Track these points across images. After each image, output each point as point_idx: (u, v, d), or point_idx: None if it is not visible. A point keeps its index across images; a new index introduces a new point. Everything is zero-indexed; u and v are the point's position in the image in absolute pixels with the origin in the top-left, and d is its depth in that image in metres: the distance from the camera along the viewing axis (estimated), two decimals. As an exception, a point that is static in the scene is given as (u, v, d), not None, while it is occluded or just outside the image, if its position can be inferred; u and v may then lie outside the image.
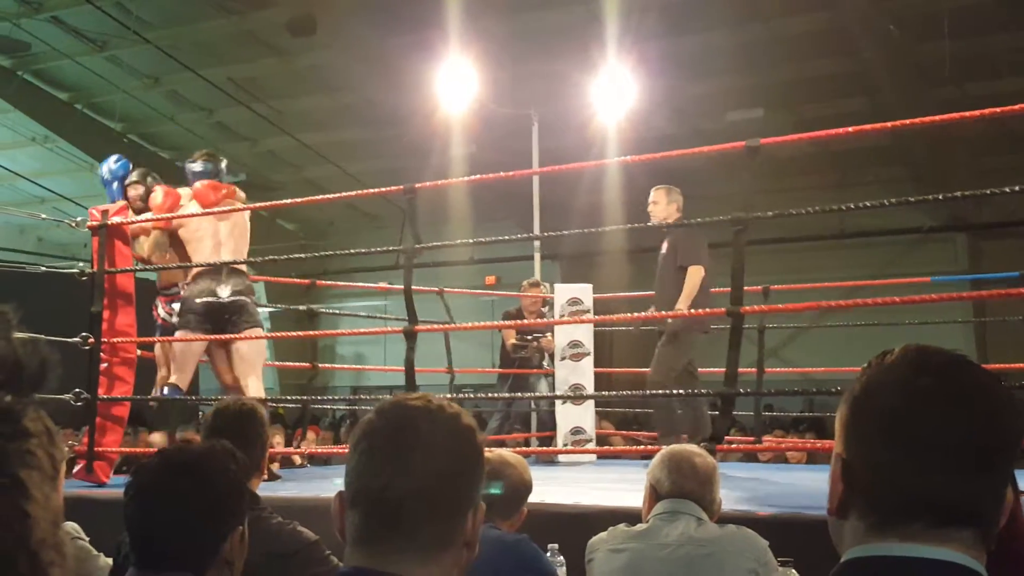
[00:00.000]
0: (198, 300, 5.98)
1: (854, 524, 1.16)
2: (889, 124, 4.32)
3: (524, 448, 7.83)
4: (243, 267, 6.29)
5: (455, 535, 1.35)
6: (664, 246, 6.62)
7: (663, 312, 6.35)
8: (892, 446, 1.13)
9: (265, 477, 3.26)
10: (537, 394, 8.07)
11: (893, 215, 10.84)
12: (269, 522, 2.89)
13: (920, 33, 10.55)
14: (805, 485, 5.36)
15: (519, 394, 8.00)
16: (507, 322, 7.85)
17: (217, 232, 6.25)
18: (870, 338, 9.79)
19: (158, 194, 6.40)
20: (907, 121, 4.23)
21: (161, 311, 6.48)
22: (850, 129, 4.60)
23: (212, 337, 6.10)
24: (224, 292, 6.03)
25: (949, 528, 1.11)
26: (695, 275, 6.35)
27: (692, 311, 6.13)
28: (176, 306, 6.29)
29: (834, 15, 10.57)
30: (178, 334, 6.14)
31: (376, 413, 1.40)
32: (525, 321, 7.97)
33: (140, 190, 6.57)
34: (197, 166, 6.43)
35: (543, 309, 8.15)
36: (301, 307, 9.62)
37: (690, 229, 6.54)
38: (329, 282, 11.63)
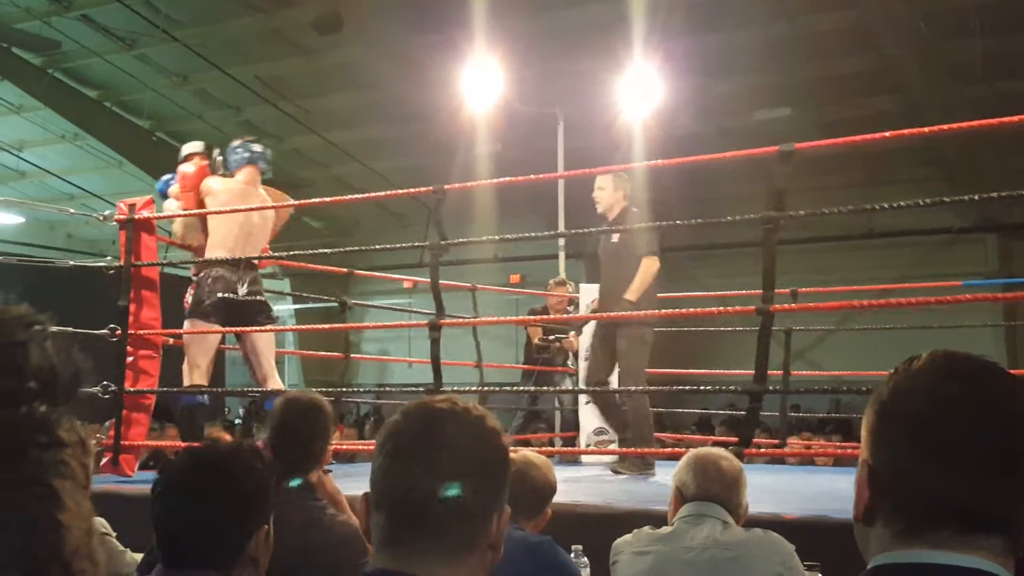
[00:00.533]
0: (219, 295, 5.97)
1: (880, 531, 1.15)
2: (926, 129, 4.27)
3: (548, 448, 7.83)
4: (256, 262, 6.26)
5: (480, 537, 1.35)
6: (615, 236, 6.39)
7: (619, 304, 6.13)
8: (919, 452, 1.12)
9: (324, 469, 3.30)
10: (562, 389, 8.06)
11: (922, 215, 10.76)
12: (324, 511, 3.00)
13: (950, 31, 10.45)
14: (831, 487, 5.33)
15: (545, 388, 7.99)
16: (532, 318, 7.85)
17: (249, 221, 6.21)
18: (897, 341, 9.76)
19: (188, 166, 6.34)
20: (944, 127, 4.18)
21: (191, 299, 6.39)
22: (887, 134, 4.53)
23: (234, 330, 6.09)
24: (242, 290, 6.01)
25: (977, 535, 1.10)
26: (652, 266, 6.19)
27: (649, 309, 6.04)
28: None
29: (862, 13, 10.49)
30: (187, 324, 6.08)
31: (402, 415, 1.40)
32: (550, 316, 7.97)
33: (204, 162, 6.43)
34: (258, 147, 6.40)
35: (568, 308, 8.14)
36: (333, 300, 9.63)
37: (643, 218, 6.39)
38: (366, 272, 11.58)
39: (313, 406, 3.25)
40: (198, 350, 6.06)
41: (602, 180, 6.50)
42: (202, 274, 6.06)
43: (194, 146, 6.54)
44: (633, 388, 6.05)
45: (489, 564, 1.37)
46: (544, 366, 8.19)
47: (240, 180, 6.27)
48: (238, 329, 6.11)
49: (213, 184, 6.23)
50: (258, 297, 6.13)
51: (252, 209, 6.16)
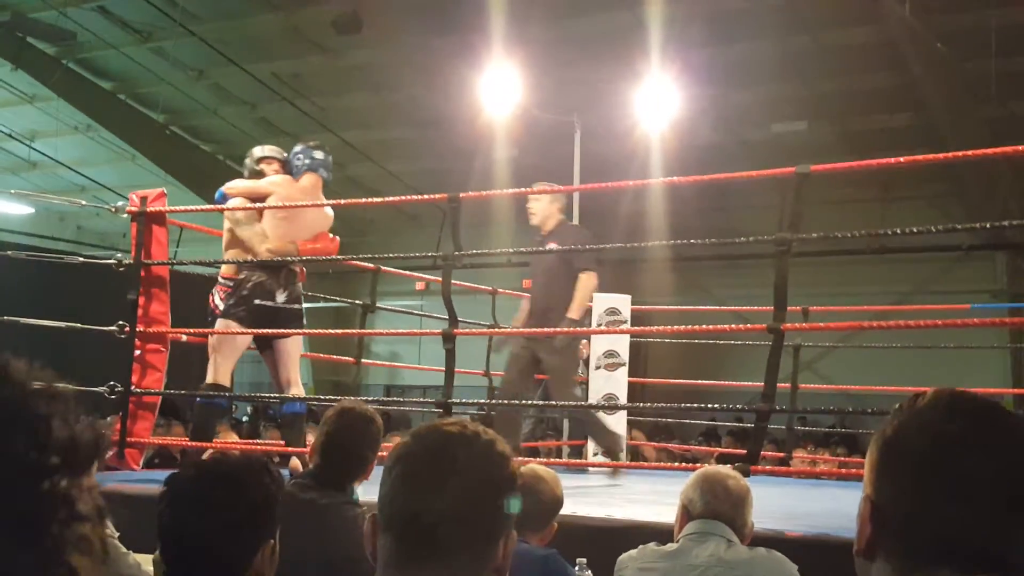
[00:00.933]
0: (256, 301, 5.84)
1: (881, 566, 1.16)
2: (940, 156, 4.29)
3: (555, 460, 7.81)
4: (296, 269, 6.10)
5: (487, 561, 1.36)
6: (551, 247, 6.25)
7: (557, 319, 6.11)
8: (921, 489, 1.13)
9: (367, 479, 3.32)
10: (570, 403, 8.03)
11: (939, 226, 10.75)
12: (364, 517, 3.00)
13: (967, 50, 10.44)
14: (835, 503, 5.31)
15: (552, 402, 7.99)
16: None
17: (296, 230, 6.05)
18: (905, 357, 9.67)
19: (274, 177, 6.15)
20: (959, 153, 4.19)
21: (219, 300, 6.15)
22: (902, 159, 4.55)
23: (257, 331, 5.95)
24: (281, 298, 5.90)
25: (975, 575, 1.10)
26: (591, 281, 6.17)
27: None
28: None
29: (881, 29, 10.49)
30: (220, 324, 5.94)
31: (412, 437, 1.41)
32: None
33: (275, 166, 6.24)
34: (319, 154, 6.18)
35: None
36: (348, 302, 9.59)
37: (580, 232, 6.30)
38: (389, 269, 11.62)
39: (365, 417, 3.30)
40: (228, 350, 5.95)
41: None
42: (242, 276, 5.93)
43: (269, 150, 6.37)
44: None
45: (495, 588, 1.37)
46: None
47: (301, 187, 6.10)
48: (255, 331, 5.95)
49: (274, 180, 6.10)
50: (295, 306, 6.01)
51: (244, 208, 6.00)
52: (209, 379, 5.96)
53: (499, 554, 1.36)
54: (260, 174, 6.22)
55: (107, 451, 0.82)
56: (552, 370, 6.36)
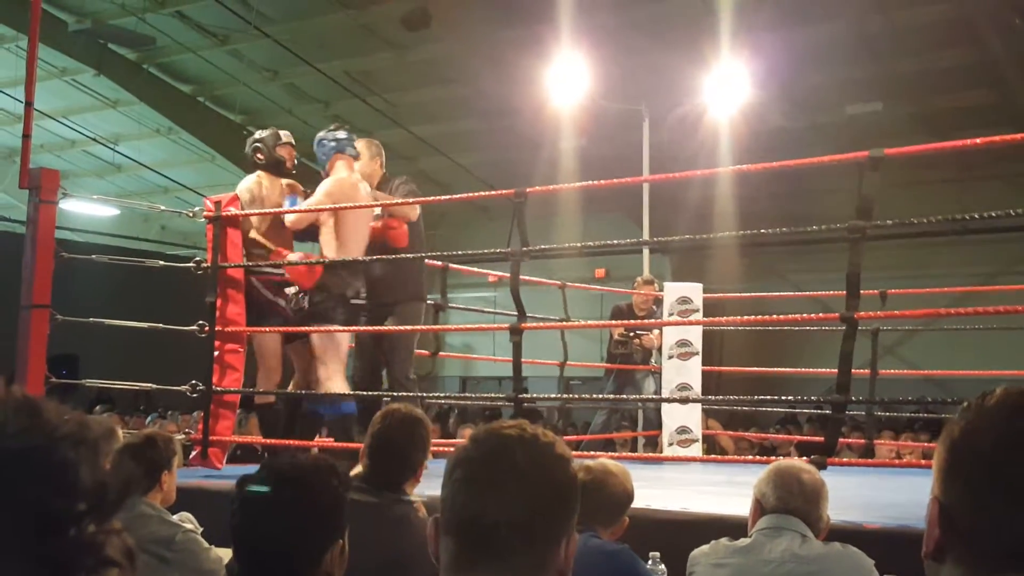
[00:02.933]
0: (349, 299, 5.86)
1: (951, 569, 1.13)
2: (1020, 136, 4.12)
3: (628, 453, 7.79)
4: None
5: (548, 564, 1.36)
6: (377, 212, 5.80)
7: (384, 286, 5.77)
8: (989, 492, 1.10)
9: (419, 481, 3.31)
10: (644, 395, 8.01)
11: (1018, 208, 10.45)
12: (416, 513, 3.07)
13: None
14: (918, 492, 5.20)
15: (625, 396, 7.99)
16: (613, 321, 7.84)
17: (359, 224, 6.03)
18: (992, 337, 9.42)
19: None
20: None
21: (271, 296, 6.13)
22: (978, 141, 4.41)
23: (291, 328, 5.97)
24: (350, 293, 5.92)
25: None
26: (407, 212, 5.79)
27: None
28: (291, 290, 6.02)
29: (957, 6, 10.24)
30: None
31: (471, 441, 1.42)
32: (629, 321, 7.94)
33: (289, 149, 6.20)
34: (342, 133, 6.04)
35: (654, 307, 8.10)
36: (429, 300, 9.64)
37: (407, 185, 5.94)
38: (457, 266, 11.70)
39: (411, 419, 3.27)
40: (335, 353, 5.87)
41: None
42: (331, 278, 5.83)
43: (284, 134, 6.26)
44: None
45: (558, 591, 1.38)
46: (623, 364, 8.17)
47: (343, 180, 5.92)
48: (298, 328, 5.98)
49: (328, 191, 5.89)
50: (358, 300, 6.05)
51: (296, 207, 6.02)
52: (335, 388, 5.80)
53: (560, 556, 1.36)
54: (279, 162, 6.18)
55: (138, 491, 0.83)
56: (393, 343, 5.99)
